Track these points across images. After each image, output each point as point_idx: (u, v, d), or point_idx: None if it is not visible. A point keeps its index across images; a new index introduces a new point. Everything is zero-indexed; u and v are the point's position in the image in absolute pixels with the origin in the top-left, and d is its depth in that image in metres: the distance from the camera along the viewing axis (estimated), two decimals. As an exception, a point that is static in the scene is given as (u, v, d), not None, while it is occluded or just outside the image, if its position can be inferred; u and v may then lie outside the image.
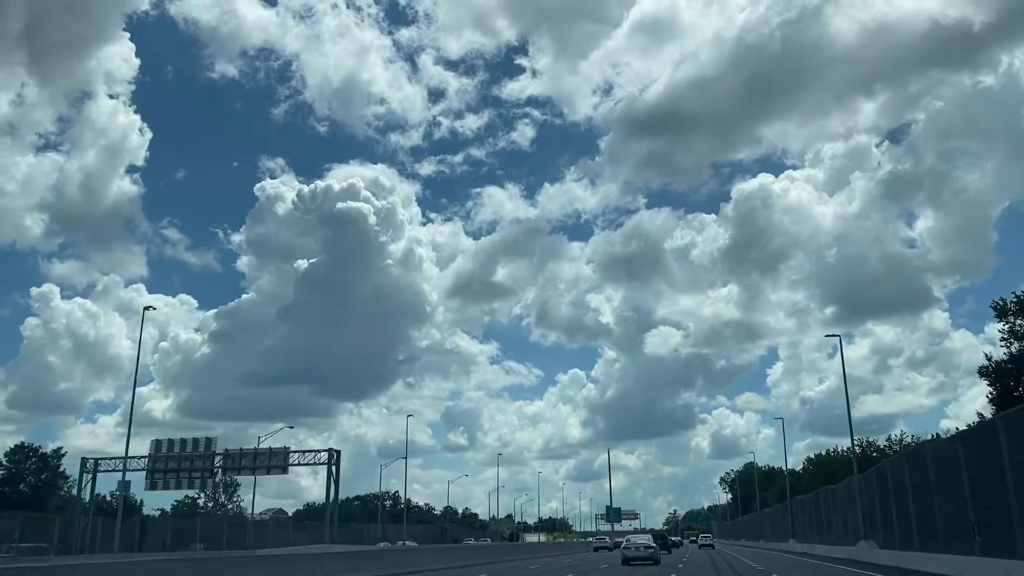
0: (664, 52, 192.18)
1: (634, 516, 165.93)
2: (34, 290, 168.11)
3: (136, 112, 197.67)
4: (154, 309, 66.50)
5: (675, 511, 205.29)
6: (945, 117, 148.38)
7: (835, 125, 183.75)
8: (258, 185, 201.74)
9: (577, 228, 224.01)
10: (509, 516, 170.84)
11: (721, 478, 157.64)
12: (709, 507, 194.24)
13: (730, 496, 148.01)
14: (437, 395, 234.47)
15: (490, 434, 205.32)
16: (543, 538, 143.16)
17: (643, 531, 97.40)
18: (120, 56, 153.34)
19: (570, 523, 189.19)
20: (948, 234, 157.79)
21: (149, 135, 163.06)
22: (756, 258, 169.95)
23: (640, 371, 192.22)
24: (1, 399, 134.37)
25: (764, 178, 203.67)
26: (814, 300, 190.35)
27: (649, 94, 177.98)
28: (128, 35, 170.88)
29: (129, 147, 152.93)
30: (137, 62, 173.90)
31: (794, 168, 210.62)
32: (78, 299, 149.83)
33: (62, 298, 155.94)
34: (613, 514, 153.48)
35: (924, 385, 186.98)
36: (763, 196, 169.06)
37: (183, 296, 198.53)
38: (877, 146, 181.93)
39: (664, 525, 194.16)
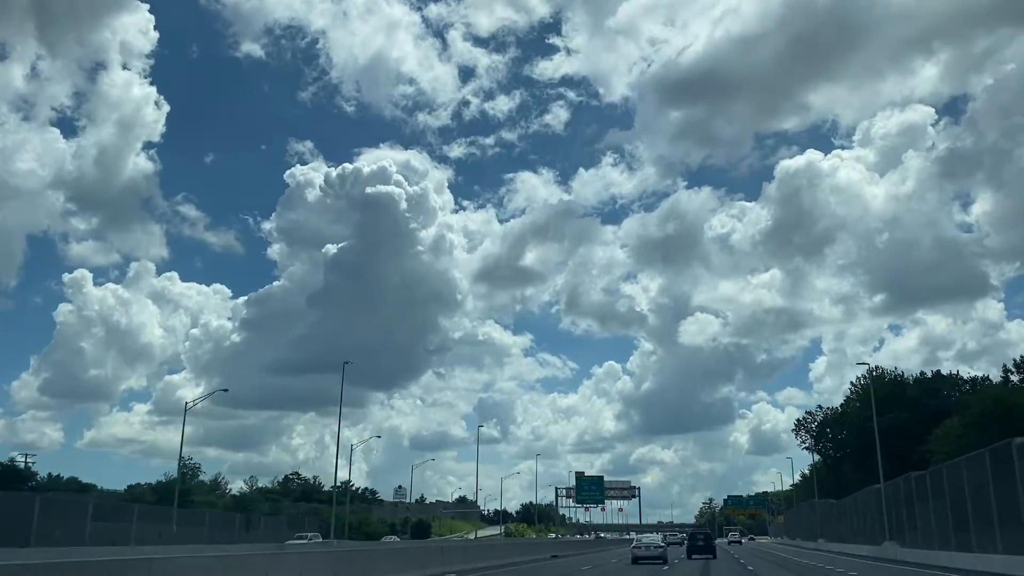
0: (703, 6, 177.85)
1: (631, 492, 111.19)
2: (66, 276, 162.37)
3: (152, 84, 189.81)
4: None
5: (711, 499, 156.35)
6: (1013, 82, 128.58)
7: (890, 90, 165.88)
8: (288, 172, 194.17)
9: (612, 214, 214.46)
10: (462, 499, 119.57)
11: (798, 421, 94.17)
12: (757, 495, 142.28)
13: (816, 457, 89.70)
14: (470, 386, 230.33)
15: (523, 427, 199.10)
16: (507, 531, 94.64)
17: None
18: (136, 27, 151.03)
19: (563, 514, 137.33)
20: (1008, 218, 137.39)
21: (166, 108, 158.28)
22: (800, 241, 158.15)
23: (677, 363, 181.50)
24: (35, 386, 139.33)
25: (811, 155, 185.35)
26: (862, 287, 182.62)
27: (686, 56, 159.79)
28: (147, 6, 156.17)
29: (145, 121, 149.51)
30: (155, 35, 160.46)
31: (843, 148, 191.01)
32: (110, 285, 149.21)
33: (95, 284, 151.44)
34: (587, 488, 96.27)
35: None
36: (809, 175, 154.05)
37: (217, 285, 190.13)
38: (933, 125, 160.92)
39: (698, 518, 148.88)
